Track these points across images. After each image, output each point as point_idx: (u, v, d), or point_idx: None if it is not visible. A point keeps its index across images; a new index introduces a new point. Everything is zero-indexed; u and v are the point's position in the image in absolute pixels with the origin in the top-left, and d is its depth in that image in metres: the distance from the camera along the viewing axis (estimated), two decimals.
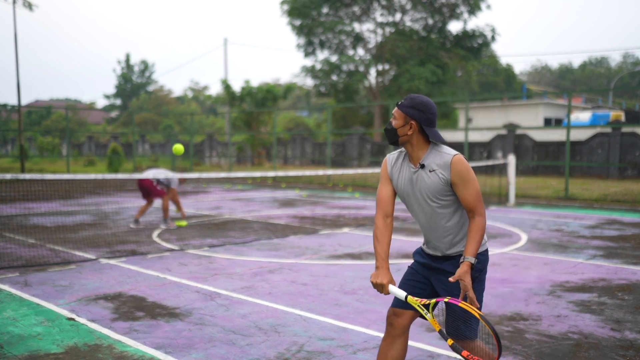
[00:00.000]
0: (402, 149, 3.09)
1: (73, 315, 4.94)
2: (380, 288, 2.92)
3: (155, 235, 9.41)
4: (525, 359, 4.00)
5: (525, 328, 4.66)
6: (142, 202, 12.46)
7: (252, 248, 8.24)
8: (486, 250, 3.04)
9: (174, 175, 9.69)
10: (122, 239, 9.00)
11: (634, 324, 4.79)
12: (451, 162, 2.87)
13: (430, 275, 3.09)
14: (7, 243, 8.54)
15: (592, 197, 15.68)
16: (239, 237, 9.19)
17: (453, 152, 2.92)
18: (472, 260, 2.82)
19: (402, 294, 2.90)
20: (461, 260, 2.85)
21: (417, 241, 8.86)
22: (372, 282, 2.96)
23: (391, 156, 3.14)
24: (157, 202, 13.18)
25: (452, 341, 2.85)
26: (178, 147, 6.27)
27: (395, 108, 2.98)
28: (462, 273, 2.79)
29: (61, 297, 5.52)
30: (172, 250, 8.03)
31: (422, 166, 2.94)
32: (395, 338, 3.09)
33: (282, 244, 8.56)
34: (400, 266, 6.93)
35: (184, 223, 10.39)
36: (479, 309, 2.85)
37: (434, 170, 2.91)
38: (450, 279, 2.84)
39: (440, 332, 2.88)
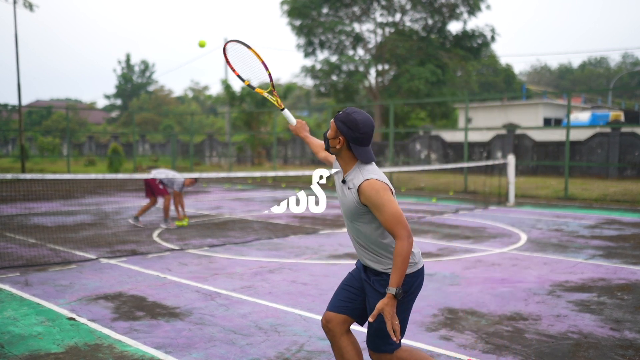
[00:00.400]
0: None
1: (73, 315, 4.95)
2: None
3: (155, 235, 9.42)
4: (525, 359, 4.00)
5: (525, 328, 4.67)
6: (143, 202, 12.46)
7: (252, 248, 8.25)
8: (420, 270, 2.97)
9: (178, 177, 9.68)
10: (123, 238, 9.01)
11: (634, 323, 4.80)
12: (360, 186, 2.83)
13: (363, 286, 3.07)
14: (7, 243, 8.55)
15: (591, 197, 15.69)
16: (239, 237, 9.20)
17: (369, 175, 2.84)
18: (394, 291, 2.73)
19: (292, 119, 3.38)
20: (385, 290, 2.84)
21: (417, 241, 8.88)
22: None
23: (335, 164, 3.20)
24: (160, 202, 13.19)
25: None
26: (202, 42, 6.07)
27: (332, 118, 2.97)
28: (383, 306, 2.75)
29: (62, 297, 5.53)
30: (172, 250, 8.04)
31: (344, 182, 2.95)
32: (341, 340, 3.05)
33: (282, 244, 8.57)
34: None
35: (185, 222, 10.41)
36: (383, 329, 2.90)
37: (350, 189, 2.91)
38: (370, 318, 2.81)
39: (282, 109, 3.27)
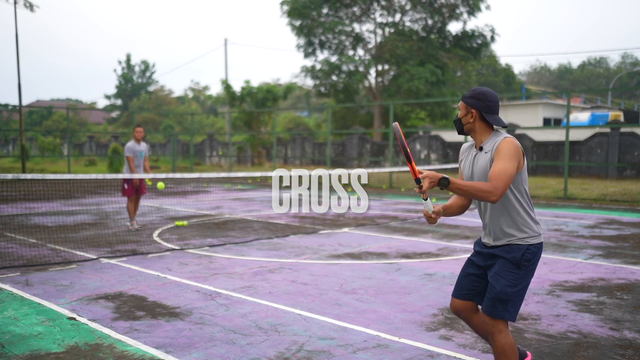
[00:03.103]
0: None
1: (74, 315, 4.96)
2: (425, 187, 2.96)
3: (155, 235, 9.43)
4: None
5: (525, 327, 4.68)
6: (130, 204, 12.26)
7: (252, 248, 8.26)
8: (541, 243, 3.18)
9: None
10: (123, 238, 9.02)
11: (633, 323, 4.81)
12: (500, 141, 3.08)
13: (485, 261, 3.27)
14: (8, 243, 8.56)
15: (591, 197, 15.70)
16: (239, 237, 9.21)
17: (506, 135, 3.12)
18: (447, 176, 2.92)
19: (430, 207, 3.14)
20: (508, 255, 3.12)
21: (417, 241, 8.89)
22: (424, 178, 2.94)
23: (465, 145, 3.40)
24: (160, 202, 13.17)
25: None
26: (161, 185, 6.27)
27: (460, 101, 3.24)
28: (429, 173, 2.94)
29: (62, 297, 5.54)
30: (172, 249, 8.05)
31: (481, 149, 3.17)
32: (472, 321, 3.43)
33: (282, 244, 8.58)
34: (401, 265, 6.95)
35: (184, 222, 10.42)
36: (506, 293, 3.11)
37: (487, 152, 3.13)
38: (423, 193, 2.95)
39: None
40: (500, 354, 3.18)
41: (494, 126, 3.20)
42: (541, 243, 3.18)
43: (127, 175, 9.12)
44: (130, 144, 10.08)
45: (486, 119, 3.16)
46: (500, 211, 3.16)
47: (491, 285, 3.17)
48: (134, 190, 10.04)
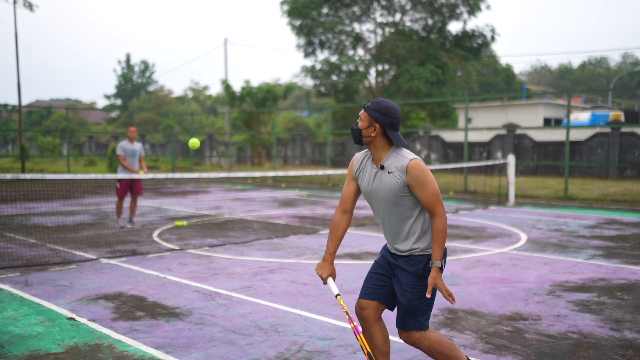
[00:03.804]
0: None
1: (73, 315, 4.95)
2: (322, 279, 3.35)
3: (155, 235, 9.43)
4: (525, 359, 4.01)
5: (525, 328, 4.67)
6: (126, 203, 12.21)
7: (252, 248, 8.25)
8: (444, 250, 3.16)
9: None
10: (123, 238, 9.02)
11: (633, 323, 4.80)
12: (407, 165, 3.03)
13: (391, 271, 3.27)
14: (7, 243, 8.56)
15: (591, 197, 15.69)
16: (239, 237, 9.20)
17: (412, 156, 3.07)
18: (439, 264, 3.04)
19: (335, 290, 3.29)
20: (430, 265, 3.09)
21: None
22: (316, 271, 3.33)
23: (358, 155, 3.31)
24: (156, 202, 13.16)
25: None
26: (194, 142, 6.18)
27: (362, 110, 3.12)
28: (433, 280, 3.04)
29: (62, 297, 5.53)
30: (172, 250, 8.04)
31: (382, 167, 3.10)
32: (372, 328, 3.28)
33: (282, 244, 8.58)
34: None
35: (184, 223, 10.41)
36: (413, 306, 3.15)
37: (392, 172, 3.07)
38: (427, 294, 3.06)
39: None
40: (431, 353, 3.21)
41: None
42: (444, 250, 3.13)
43: (125, 175, 9.14)
44: (123, 143, 10.17)
45: (388, 135, 3.07)
46: (399, 222, 3.14)
47: (399, 301, 3.19)
48: (127, 190, 10.08)
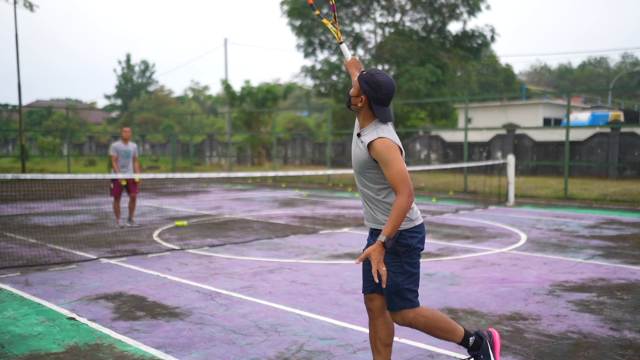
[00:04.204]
0: None
1: (74, 315, 4.95)
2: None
3: (155, 235, 9.43)
4: (524, 359, 4.01)
5: (525, 327, 4.68)
6: (124, 203, 12.21)
7: (252, 248, 8.26)
8: (418, 226, 3.15)
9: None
10: (123, 238, 9.02)
11: (633, 323, 4.80)
12: (372, 142, 3.02)
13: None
14: (8, 243, 8.56)
15: (591, 197, 15.69)
16: (239, 237, 9.21)
17: (382, 134, 3.03)
18: (383, 239, 2.98)
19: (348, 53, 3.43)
20: (393, 240, 3.05)
21: None
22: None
23: (356, 124, 3.34)
24: (153, 202, 13.16)
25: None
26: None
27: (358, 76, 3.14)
28: (370, 251, 3.01)
29: (62, 297, 5.53)
30: (172, 250, 8.05)
31: (359, 135, 3.13)
32: (376, 320, 3.30)
33: (282, 244, 8.58)
34: None
35: (184, 223, 10.42)
36: (396, 284, 3.10)
37: (363, 143, 3.09)
38: (357, 260, 3.07)
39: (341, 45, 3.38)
40: (428, 330, 3.20)
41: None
42: (418, 226, 3.13)
43: (119, 176, 9.13)
44: (117, 143, 10.12)
45: (374, 110, 3.09)
46: (368, 195, 3.17)
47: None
48: (120, 190, 10.08)
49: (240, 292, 5.74)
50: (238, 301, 5.43)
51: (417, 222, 3.14)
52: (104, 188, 19.40)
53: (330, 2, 3.46)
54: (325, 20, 3.54)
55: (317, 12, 3.51)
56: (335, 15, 3.47)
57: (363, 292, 3.34)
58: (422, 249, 3.19)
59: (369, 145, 3.03)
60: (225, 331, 4.56)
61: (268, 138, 32.41)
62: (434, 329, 3.19)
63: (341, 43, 3.38)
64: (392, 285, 3.10)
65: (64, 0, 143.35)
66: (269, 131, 32.94)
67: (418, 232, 3.13)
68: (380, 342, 3.30)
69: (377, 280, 3.03)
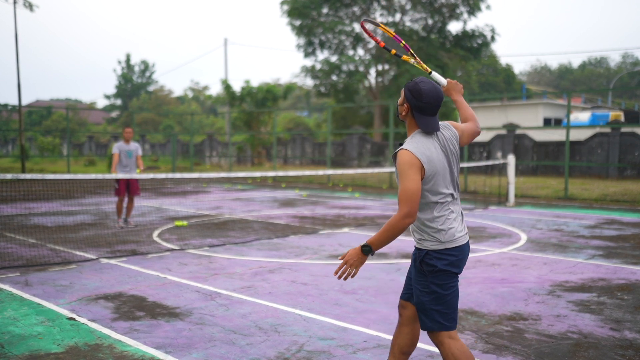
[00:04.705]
0: None
1: (73, 315, 4.95)
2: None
3: (155, 235, 9.43)
4: (525, 359, 4.01)
5: (525, 328, 4.67)
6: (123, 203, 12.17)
7: (252, 248, 8.25)
8: (450, 249, 2.96)
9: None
10: (123, 238, 9.02)
11: (633, 323, 4.80)
12: (396, 152, 2.96)
13: None
14: (7, 243, 8.56)
15: (591, 197, 15.69)
16: (239, 237, 9.20)
17: (407, 145, 2.94)
18: (366, 247, 2.91)
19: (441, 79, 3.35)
20: (417, 263, 3.02)
21: None
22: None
23: None
24: (152, 202, 13.15)
25: None
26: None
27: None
28: (349, 250, 2.97)
29: (62, 297, 5.53)
30: (172, 250, 8.04)
31: (400, 144, 3.03)
32: (402, 327, 3.24)
33: (282, 244, 8.57)
34: (401, 265, 6.94)
35: (184, 223, 10.41)
36: (422, 303, 3.01)
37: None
38: (340, 257, 3.04)
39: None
40: None
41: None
42: (450, 249, 2.96)
43: (120, 176, 9.14)
44: (119, 143, 10.12)
45: (415, 119, 3.00)
46: None
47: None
48: (125, 190, 10.08)
49: (240, 292, 5.73)
50: (238, 301, 5.42)
51: (450, 245, 2.96)
52: (104, 188, 19.40)
53: (402, 44, 3.37)
54: (405, 57, 3.45)
55: (393, 51, 3.42)
56: (411, 52, 3.42)
57: (400, 297, 3.27)
58: (456, 273, 3.01)
59: (394, 156, 2.97)
60: (225, 331, 4.55)
61: (268, 138, 32.41)
62: None
63: (430, 73, 3.31)
64: (418, 304, 3.04)
65: (64, 0, 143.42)
66: (269, 131, 32.93)
67: (449, 255, 2.96)
68: (399, 348, 3.22)
69: (335, 275, 2.96)
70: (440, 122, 3.10)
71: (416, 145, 2.93)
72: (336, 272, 2.97)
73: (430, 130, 2.97)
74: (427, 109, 2.95)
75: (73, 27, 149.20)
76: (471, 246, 8.39)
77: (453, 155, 3.06)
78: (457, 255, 2.99)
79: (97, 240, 8.80)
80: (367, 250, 2.91)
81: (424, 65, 3.39)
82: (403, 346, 3.23)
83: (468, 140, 3.25)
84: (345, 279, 2.96)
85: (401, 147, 2.94)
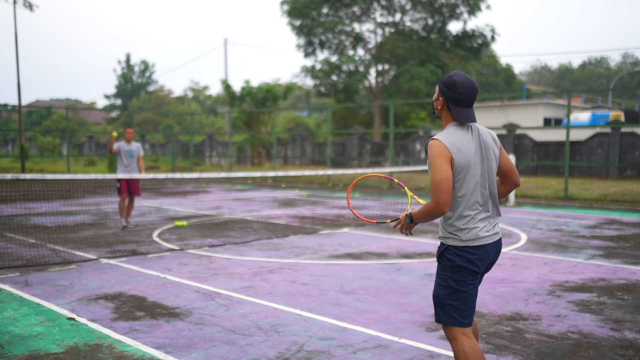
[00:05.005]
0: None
1: (73, 315, 4.95)
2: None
3: (155, 235, 9.42)
4: (525, 359, 4.00)
5: (525, 328, 4.67)
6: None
7: (252, 248, 8.25)
8: (470, 247, 2.97)
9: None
10: (123, 238, 9.01)
11: (634, 323, 4.80)
12: (426, 145, 3.01)
13: None
14: (7, 243, 8.55)
15: (591, 197, 15.69)
16: (239, 237, 9.20)
17: (438, 135, 2.97)
18: (408, 213, 3.14)
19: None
20: (439, 259, 3.10)
21: (417, 241, 8.88)
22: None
23: None
24: (149, 202, 13.15)
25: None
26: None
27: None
28: (402, 215, 3.20)
29: (61, 297, 5.53)
30: (172, 250, 8.04)
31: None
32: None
33: (282, 244, 8.57)
34: (401, 265, 6.94)
35: (184, 223, 10.41)
36: (438, 296, 3.07)
37: None
38: (392, 225, 3.33)
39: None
40: None
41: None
42: (470, 247, 2.97)
43: (120, 175, 9.13)
44: (120, 143, 10.11)
45: (451, 111, 3.02)
46: None
47: None
48: (127, 189, 10.05)
49: (240, 292, 5.73)
50: (238, 301, 5.42)
51: (470, 244, 2.97)
52: (103, 188, 19.40)
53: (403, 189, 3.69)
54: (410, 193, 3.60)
55: (387, 221, 3.70)
56: (409, 194, 3.60)
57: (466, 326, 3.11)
58: (476, 271, 3.00)
59: (425, 148, 3.02)
60: (225, 331, 4.55)
61: (268, 138, 32.41)
62: None
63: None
64: (435, 297, 3.08)
65: (64, 0, 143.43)
66: (269, 131, 32.93)
67: (468, 253, 2.97)
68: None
69: (393, 226, 3.24)
70: (486, 129, 3.14)
71: (447, 136, 2.95)
72: (397, 227, 3.25)
73: (465, 120, 2.98)
74: (462, 101, 2.98)
75: (73, 27, 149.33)
76: None
77: (490, 151, 3.05)
78: (478, 254, 2.99)
79: (97, 240, 8.80)
80: (410, 219, 3.11)
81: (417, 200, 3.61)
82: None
83: (506, 190, 3.28)
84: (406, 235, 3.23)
85: (432, 138, 2.97)
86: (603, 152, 22.36)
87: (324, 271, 6.72)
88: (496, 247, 3.07)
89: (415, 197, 3.61)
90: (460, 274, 2.99)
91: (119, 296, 5.60)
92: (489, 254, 3.03)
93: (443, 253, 3.03)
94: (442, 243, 3.07)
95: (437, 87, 3.09)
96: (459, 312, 3.00)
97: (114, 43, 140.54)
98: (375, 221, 3.58)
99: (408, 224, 3.16)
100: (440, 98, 3.04)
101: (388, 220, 3.60)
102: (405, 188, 3.60)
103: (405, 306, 5.27)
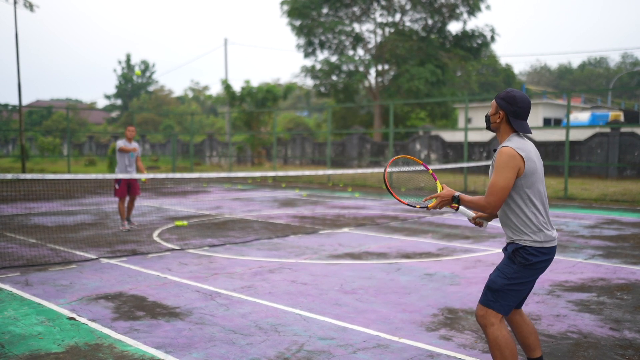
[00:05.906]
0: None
1: (74, 315, 4.95)
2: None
3: (155, 235, 9.43)
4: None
5: None
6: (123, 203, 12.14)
7: (252, 248, 8.26)
8: (547, 248, 3.18)
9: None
10: (123, 238, 9.02)
11: (633, 323, 4.80)
12: (496, 150, 3.22)
13: None
14: (8, 243, 8.56)
15: (591, 197, 15.70)
16: (239, 237, 9.21)
17: (509, 143, 3.20)
18: (456, 195, 3.36)
19: (469, 213, 3.54)
20: (509, 253, 3.26)
21: (417, 241, 8.89)
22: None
23: None
24: (150, 202, 13.15)
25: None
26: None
27: (493, 99, 3.38)
28: (445, 191, 3.43)
29: (62, 297, 5.54)
30: (172, 250, 8.05)
31: (495, 150, 3.27)
32: (514, 328, 3.47)
33: (282, 244, 8.58)
34: (401, 265, 6.94)
35: (184, 223, 10.42)
36: (495, 282, 3.24)
37: (495, 152, 3.28)
38: (429, 205, 3.48)
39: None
40: (492, 347, 3.21)
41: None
42: (547, 248, 3.19)
43: (119, 175, 9.10)
44: (121, 142, 10.07)
45: (511, 123, 3.27)
46: (502, 214, 3.32)
47: (489, 276, 3.33)
48: (126, 190, 9.98)
49: (240, 292, 5.74)
50: (238, 301, 5.43)
51: (546, 245, 3.20)
52: (104, 188, 19.40)
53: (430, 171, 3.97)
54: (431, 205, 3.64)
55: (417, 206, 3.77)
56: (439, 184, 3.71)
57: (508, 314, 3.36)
58: (542, 270, 3.25)
59: (496, 153, 3.20)
60: (225, 331, 4.56)
61: (268, 138, 32.42)
62: (494, 348, 3.21)
63: (457, 209, 3.47)
64: (491, 282, 3.25)
65: (64, 0, 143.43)
66: (269, 131, 32.94)
67: (542, 253, 3.19)
68: (524, 346, 3.43)
69: (425, 203, 3.47)
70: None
71: (516, 143, 3.19)
72: (431, 205, 3.42)
73: (524, 131, 3.27)
74: (521, 113, 3.25)
75: (73, 27, 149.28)
76: (471, 246, 8.41)
77: (541, 162, 3.32)
78: (549, 254, 3.23)
79: (98, 240, 8.81)
80: (457, 200, 3.34)
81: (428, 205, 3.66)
82: (523, 339, 3.40)
83: None
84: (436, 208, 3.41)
85: (503, 145, 3.20)
86: (602, 152, 22.37)
87: (324, 271, 6.73)
88: (555, 251, 3.32)
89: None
90: (530, 271, 3.21)
91: (119, 296, 5.61)
92: (554, 255, 3.29)
93: (518, 251, 3.20)
94: (514, 242, 3.23)
95: (493, 103, 3.35)
96: (506, 301, 3.22)
97: (114, 43, 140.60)
98: (418, 206, 3.68)
99: (450, 202, 3.38)
100: (499, 112, 3.29)
101: (427, 202, 3.65)
102: (437, 181, 3.75)
103: (405, 306, 5.28)
